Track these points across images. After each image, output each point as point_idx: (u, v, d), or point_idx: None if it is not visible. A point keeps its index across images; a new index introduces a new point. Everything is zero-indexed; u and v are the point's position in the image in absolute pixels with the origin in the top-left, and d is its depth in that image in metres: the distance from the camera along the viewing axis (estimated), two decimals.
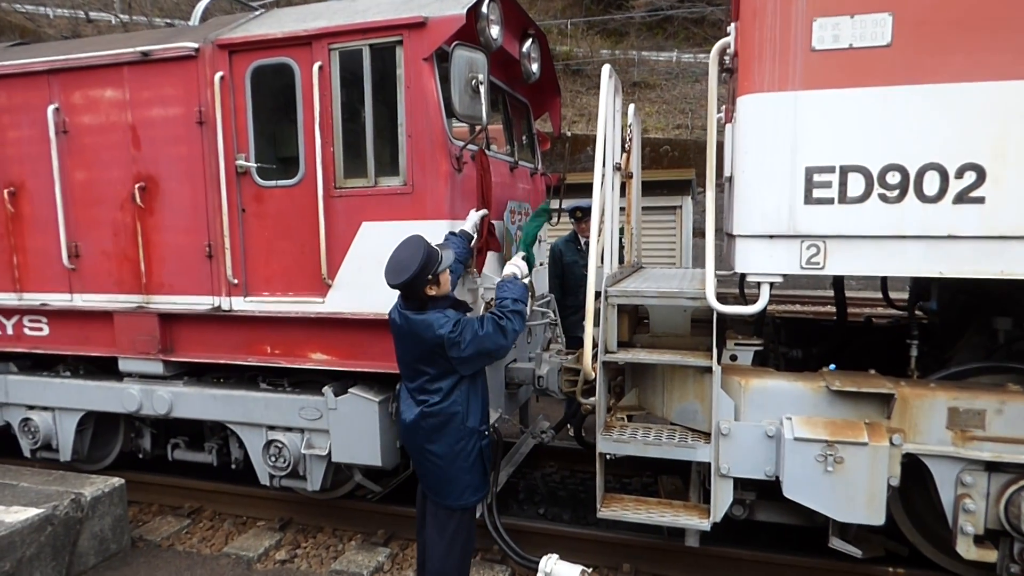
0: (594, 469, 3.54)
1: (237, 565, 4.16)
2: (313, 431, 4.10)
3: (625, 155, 4.48)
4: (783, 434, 3.08)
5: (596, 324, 3.47)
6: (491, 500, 3.93)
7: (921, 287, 3.61)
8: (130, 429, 4.94)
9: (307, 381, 4.24)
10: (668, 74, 23.57)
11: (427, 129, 3.59)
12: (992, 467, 2.98)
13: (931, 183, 2.70)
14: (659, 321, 3.82)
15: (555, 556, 3.42)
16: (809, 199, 2.84)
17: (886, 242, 2.79)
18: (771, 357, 4.02)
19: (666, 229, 11.39)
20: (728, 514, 3.37)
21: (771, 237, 2.91)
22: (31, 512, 3.75)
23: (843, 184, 2.79)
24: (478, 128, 3.68)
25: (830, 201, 2.81)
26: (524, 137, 5.24)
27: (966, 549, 3.02)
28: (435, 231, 3.51)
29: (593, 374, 3.42)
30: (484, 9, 3.71)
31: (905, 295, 4.34)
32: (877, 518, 3.01)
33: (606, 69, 3.61)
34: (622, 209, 4.40)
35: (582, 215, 5.94)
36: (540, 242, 4.81)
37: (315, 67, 3.72)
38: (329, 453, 4.04)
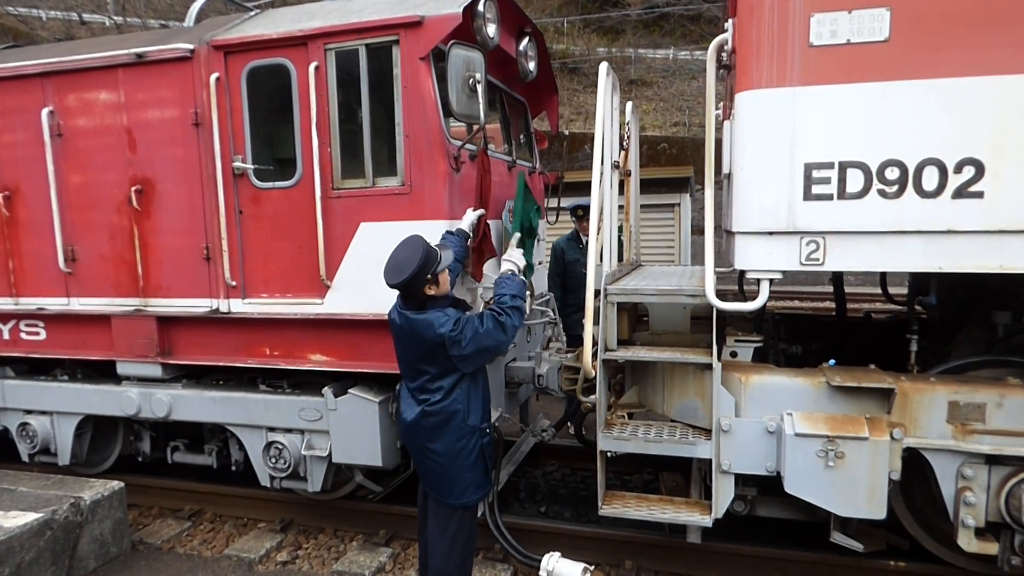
0: (595, 467, 3.54)
1: (238, 567, 4.15)
2: (313, 432, 4.09)
3: (623, 153, 4.48)
4: (784, 430, 3.09)
5: (596, 322, 3.46)
6: (492, 499, 3.93)
7: (920, 282, 3.62)
8: (129, 432, 4.92)
9: (307, 382, 4.23)
10: (665, 71, 23.59)
11: (424, 129, 3.58)
12: (992, 460, 2.98)
13: (930, 178, 2.70)
14: (659, 319, 3.82)
15: (557, 554, 3.42)
16: (808, 195, 2.83)
17: (885, 238, 2.79)
18: (771, 353, 4.03)
19: (664, 227, 11.38)
20: (729, 510, 3.37)
21: (770, 233, 2.91)
22: (30, 517, 3.74)
23: (842, 180, 2.79)
24: (476, 127, 3.67)
25: (829, 197, 2.81)
26: (522, 136, 5.24)
27: (967, 542, 3.03)
28: (433, 231, 3.50)
29: (593, 372, 3.42)
30: (480, 8, 3.69)
31: (904, 290, 4.35)
32: (878, 512, 3.02)
33: (603, 67, 3.60)
34: (621, 207, 4.39)
35: (583, 213, 5.93)
36: (539, 240, 4.80)
37: (311, 67, 3.71)
38: (329, 454, 4.03)
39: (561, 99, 10.38)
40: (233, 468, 4.59)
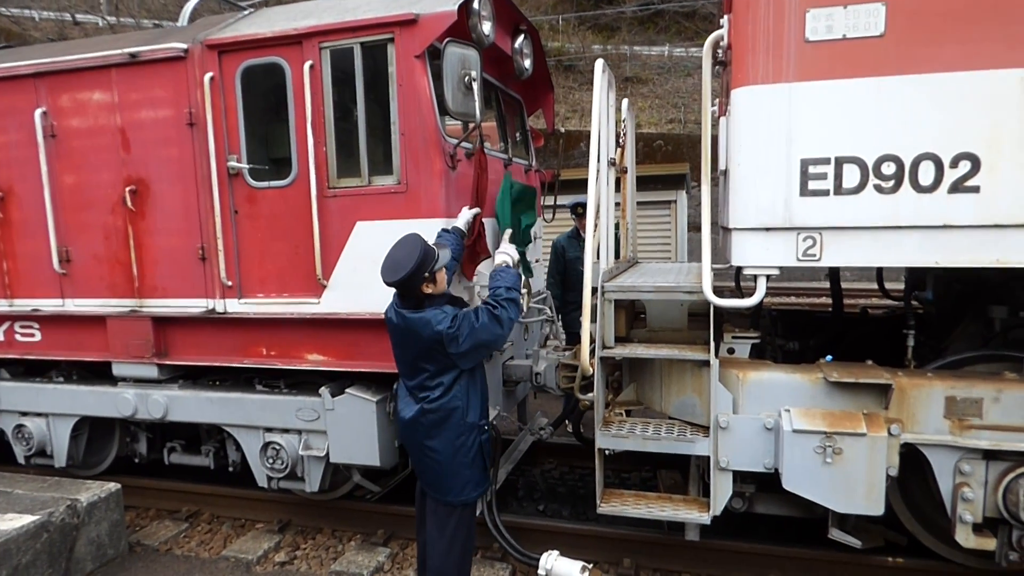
0: (593, 465, 3.54)
1: (236, 568, 4.14)
2: (310, 432, 4.08)
3: (619, 150, 4.47)
4: (781, 426, 3.08)
5: (593, 320, 3.46)
6: (491, 497, 3.92)
7: (917, 277, 3.62)
8: (125, 434, 4.90)
9: (304, 382, 4.22)
10: (660, 68, 23.58)
11: (420, 127, 3.57)
12: (990, 455, 2.99)
13: (926, 173, 2.70)
14: (656, 316, 3.82)
15: (555, 552, 3.42)
16: (805, 191, 2.83)
17: (882, 233, 2.79)
18: (768, 350, 4.03)
19: (661, 224, 11.41)
20: (728, 507, 3.37)
21: (767, 230, 2.91)
22: (26, 519, 3.72)
23: (838, 175, 2.79)
24: (472, 125, 3.66)
25: (825, 193, 2.81)
26: (517, 134, 5.22)
27: (965, 537, 3.03)
28: (430, 230, 3.49)
29: (591, 370, 3.42)
30: (476, 5, 3.68)
31: (901, 285, 4.35)
32: (876, 508, 3.02)
33: (599, 64, 3.59)
34: (617, 204, 4.39)
35: (583, 211, 5.92)
36: (537, 239, 4.79)
37: (306, 66, 3.69)
38: (327, 454, 4.02)
39: (557, 97, 10.38)
40: (230, 469, 4.58)
